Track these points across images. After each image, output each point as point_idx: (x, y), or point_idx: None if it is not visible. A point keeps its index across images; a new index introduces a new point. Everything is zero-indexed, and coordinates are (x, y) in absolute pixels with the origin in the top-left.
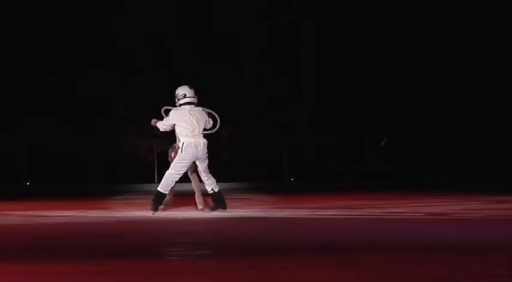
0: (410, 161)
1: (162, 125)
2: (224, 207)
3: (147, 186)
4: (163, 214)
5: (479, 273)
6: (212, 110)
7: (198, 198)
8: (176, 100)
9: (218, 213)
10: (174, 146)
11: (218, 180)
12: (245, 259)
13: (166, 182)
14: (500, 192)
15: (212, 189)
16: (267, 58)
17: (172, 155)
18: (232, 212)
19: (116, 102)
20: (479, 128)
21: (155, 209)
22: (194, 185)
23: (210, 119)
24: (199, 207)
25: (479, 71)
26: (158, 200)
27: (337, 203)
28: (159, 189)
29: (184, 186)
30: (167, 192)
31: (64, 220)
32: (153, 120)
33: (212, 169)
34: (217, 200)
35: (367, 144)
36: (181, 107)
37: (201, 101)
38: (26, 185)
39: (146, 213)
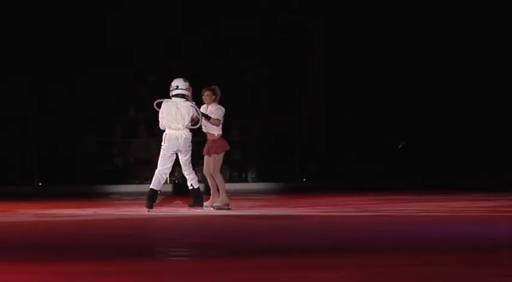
0: (416, 161)
1: (162, 127)
2: (201, 205)
3: (166, 187)
4: (174, 213)
5: (489, 273)
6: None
7: (222, 195)
8: (170, 90)
9: (227, 213)
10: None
11: (230, 180)
12: (254, 260)
13: (157, 179)
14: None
15: (192, 185)
16: (275, 57)
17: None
18: (242, 211)
19: (128, 102)
20: (479, 128)
21: (150, 206)
22: (211, 184)
23: (201, 115)
24: (216, 205)
25: (479, 71)
26: (152, 197)
27: (347, 203)
28: (151, 187)
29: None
30: (159, 189)
31: (75, 220)
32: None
33: (225, 170)
34: (195, 196)
35: (377, 144)
36: (172, 99)
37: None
38: (38, 185)
39: (157, 214)
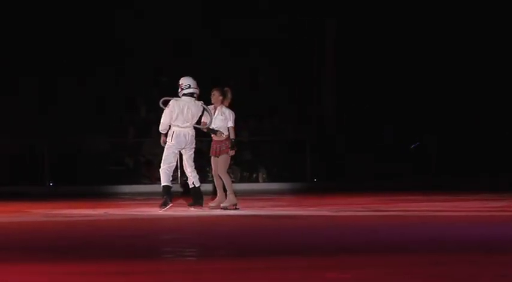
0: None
1: (161, 126)
2: (200, 205)
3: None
4: (187, 213)
5: (499, 273)
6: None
7: (230, 196)
8: (180, 89)
9: (237, 213)
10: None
11: (241, 181)
12: (263, 260)
13: (167, 175)
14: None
15: (193, 184)
16: (287, 57)
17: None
18: (252, 211)
19: (139, 103)
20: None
21: (170, 200)
22: (217, 185)
23: (208, 114)
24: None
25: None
26: (168, 192)
27: (358, 203)
28: (164, 184)
29: (206, 187)
30: (170, 184)
31: (86, 220)
32: (161, 141)
33: (236, 170)
34: (195, 196)
35: (387, 144)
36: (182, 97)
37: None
38: (49, 186)
39: (169, 214)
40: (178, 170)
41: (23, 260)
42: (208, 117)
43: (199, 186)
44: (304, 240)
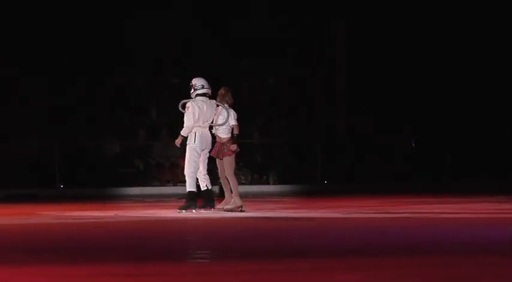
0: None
1: (186, 130)
2: (212, 207)
3: (182, 189)
4: (196, 215)
5: (507, 273)
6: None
7: (235, 198)
8: (192, 90)
9: (247, 215)
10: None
11: (252, 183)
12: (273, 262)
13: (192, 180)
14: None
15: (206, 186)
16: (299, 59)
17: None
18: (262, 213)
19: (150, 105)
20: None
21: (185, 208)
22: (225, 187)
23: (224, 113)
24: (227, 207)
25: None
26: (192, 199)
27: (368, 205)
28: (189, 190)
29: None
30: (195, 189)
31: (96, 222)
32: (177, 141)
33: (246, 172)
34: (206, 198)
35: (399, 146)
36: (197, 98)
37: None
38: (60, 188)
39: (180, 216)
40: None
41: (32, 262)
42: (226, 114)
43: (211, 189)
44: (313, 242)
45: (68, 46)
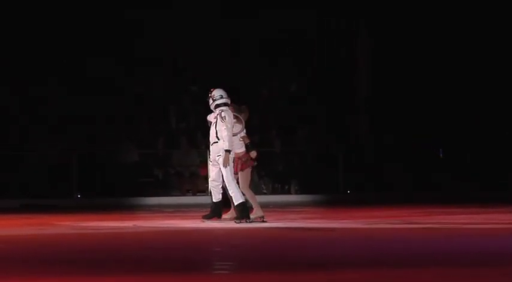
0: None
1: (228, 143)
2: (219, 217)
3: (201, 199)
4: (219, 226)
5: None
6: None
7: (256, 209)
8: (212, 101)
9: (269, 225)
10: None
11: (273, 192)
12: (294, 273)
13: (237, 194)
14: None
15: (219, 198)
16: (320, 66)
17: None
18: (284, 224)
19: (170, 113)
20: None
21: (240, 218)
22: (250, 197)
23: (239, 123)
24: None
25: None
26: (243, 211)
27: (392, 215)
28: (237, 202)
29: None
30: (244, 200)
31: (115, 232)
32: (224, 161)
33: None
34: (214, 210)
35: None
36: (222, 107)
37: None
38: (77, 197)
39: (200, 226)
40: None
41: (47, 274)
42: (240, 126)
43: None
44: (334, 253)
45: (87, 54)
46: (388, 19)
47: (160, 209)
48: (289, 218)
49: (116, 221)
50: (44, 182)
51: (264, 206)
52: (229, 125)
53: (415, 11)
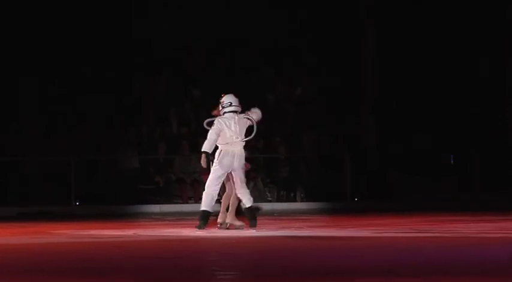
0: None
1: (208, 146)
2: (254, 225)
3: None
4: (216, 234)
5: None
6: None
7: (230, 214)
8: (221, 108)
9: (274, 233)
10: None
11: (279, 200)
12: None
13: (208, 200)
14: None
15: (244, 205)
16: (326, 68)
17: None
18: (289, 232)
19: (171, 117)
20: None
21: (202, 227)
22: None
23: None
24: (219, 221)
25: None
26: (204, 218)
27: (400, 223)
28: (203, 208)
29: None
30: (211, 210)
31: (115, 241)
32: (202, 161)
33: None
34: (249, 217)
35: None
36: (225, 115)
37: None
38: (76, 205)
39: (199, 234)
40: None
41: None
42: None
43: (251, 207)
44: (339, 262)
45: (85, 57)
46: (395, 19)
47: (161, 217)
48: (295, 226)
49: (115, 230)
50: (42, 190)
51: (268, 213)
52: (213, 131)
53: (425, 12)
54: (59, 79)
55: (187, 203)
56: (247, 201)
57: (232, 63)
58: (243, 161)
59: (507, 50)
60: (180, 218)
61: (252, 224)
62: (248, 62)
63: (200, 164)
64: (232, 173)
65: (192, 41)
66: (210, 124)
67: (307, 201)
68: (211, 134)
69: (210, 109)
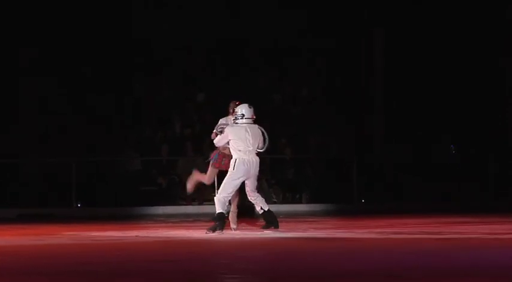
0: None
1: (218, 142)
2: (276, 226)
3: (207, 208)
4: (222, 236)
5: None
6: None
7: (233, 214)
8: (234, 118)
9: (279, 235)
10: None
11: (284, 201)
12: None
13: (221, 205)
14: None
15: (262, 208)
16: (333, 71)
17: (213, 157)
18: (295, 234)
19: (174, 118)
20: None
21: (213, 229)
22: (232, 201)
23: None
24: (232, 226)
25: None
26: (220, 219)
27: (407, 225)
28: (218, 211)
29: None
30: (225, 211)
31: (116, 243)
32: (213, 134)
33: (278, 191)
34: (268, 219)
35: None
36: (238, 123)
37: (264, 117)
38: (77, 207)
39: (204, 236)
40: None
41: None
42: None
43: (269, 209)
44: (344, 265)
45: (87, 57)
46: (403, 20)
47: (164, 219)
48: (300, 228)
49: (117, 231)
50: (42, 191)
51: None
52: (223, 137)
53: (425, 12)
54: (59, 79)
55: (190, 204)
56: (264, 205)
57: (237, 63)
58: (258, 169)
59: (507, 50)
60: (183, 220)
61: (276, 226)
62: (252, 62)
63: (202, 165)
64: (247, 180)
65: (192, 41)
66: (222, 130)
67: (312, 202)
68: (221, 141)
69: (214, 111)
